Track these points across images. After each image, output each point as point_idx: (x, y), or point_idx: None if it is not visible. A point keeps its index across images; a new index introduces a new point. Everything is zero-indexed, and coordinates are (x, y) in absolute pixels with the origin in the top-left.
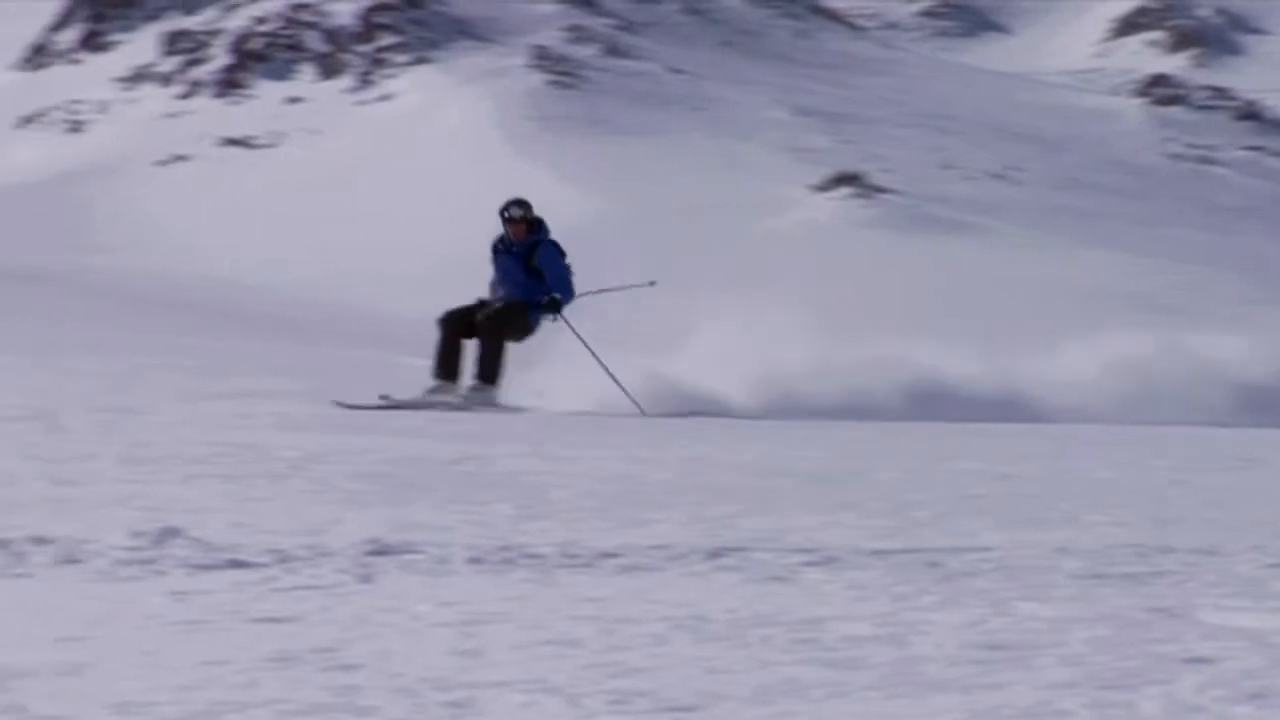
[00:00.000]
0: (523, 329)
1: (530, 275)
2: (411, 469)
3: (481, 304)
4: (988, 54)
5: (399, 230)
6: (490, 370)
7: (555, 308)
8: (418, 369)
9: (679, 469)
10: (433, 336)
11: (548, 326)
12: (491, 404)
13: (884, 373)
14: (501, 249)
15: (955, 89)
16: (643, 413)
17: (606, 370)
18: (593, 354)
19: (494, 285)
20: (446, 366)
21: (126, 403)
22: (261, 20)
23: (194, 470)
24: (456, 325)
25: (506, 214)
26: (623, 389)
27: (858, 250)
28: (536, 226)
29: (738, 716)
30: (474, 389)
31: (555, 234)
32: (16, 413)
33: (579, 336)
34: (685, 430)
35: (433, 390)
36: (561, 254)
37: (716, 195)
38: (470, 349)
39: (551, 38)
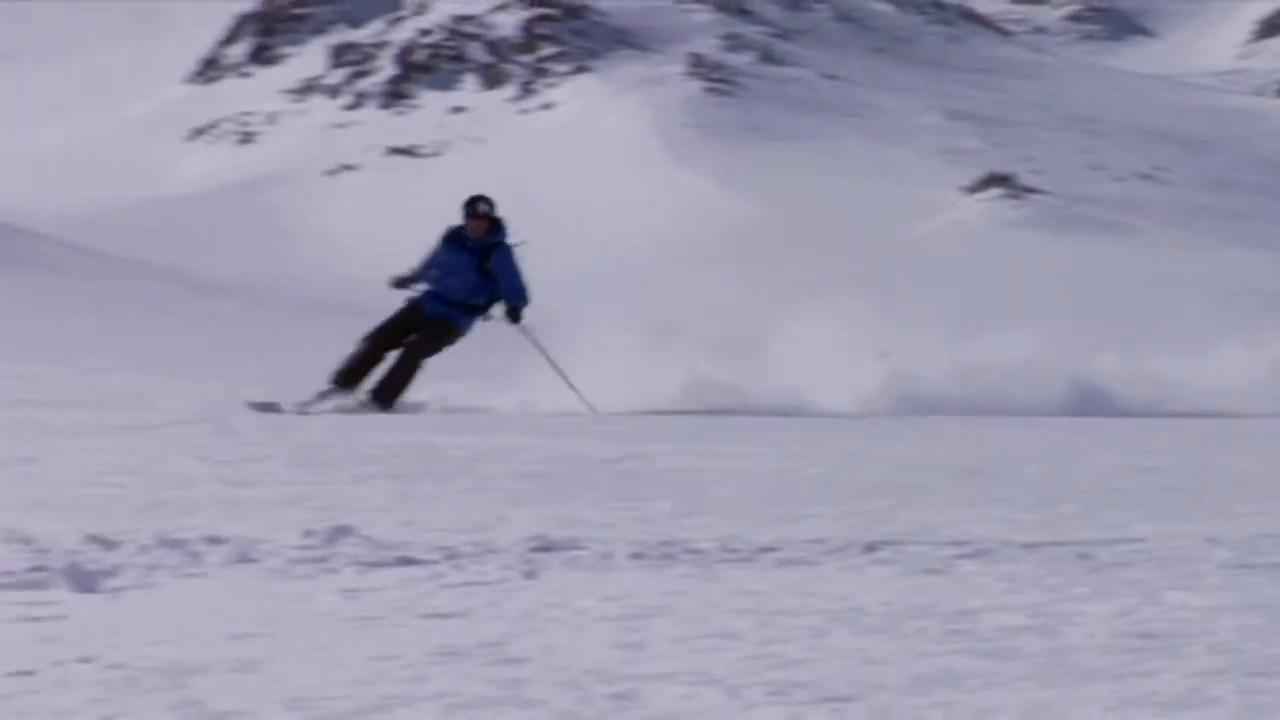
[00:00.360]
0: (455, 336)
1: (483, 276)
2: (573, 467)
3: (414, 312)
4: (1133, 57)
5: (560, 235)
6: (392, 395)
7: (516, 317)
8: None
9: (833, 465)
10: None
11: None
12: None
13: (1034, 371)
14: (456, 242)
15: (1102, 91)
16: (595, 413)
17: (560, 373)
18: (549, 360)
19: (439, 274)
20: (351, 379)
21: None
22: (426, 32)
23: (363, 471)
24: (384, 343)
25: (473, 209)
26: (576, 392)
27: (1007, 250)
28: (496, 226)
29: (894, 706)
30: (365, 404)
31: (713, 238)
32: (190, 417)
33: (536, 344)
34: (838, 427)
35: (324, 394)
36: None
37: (870, 199)
38: (387, 361)
39: (707, 46)
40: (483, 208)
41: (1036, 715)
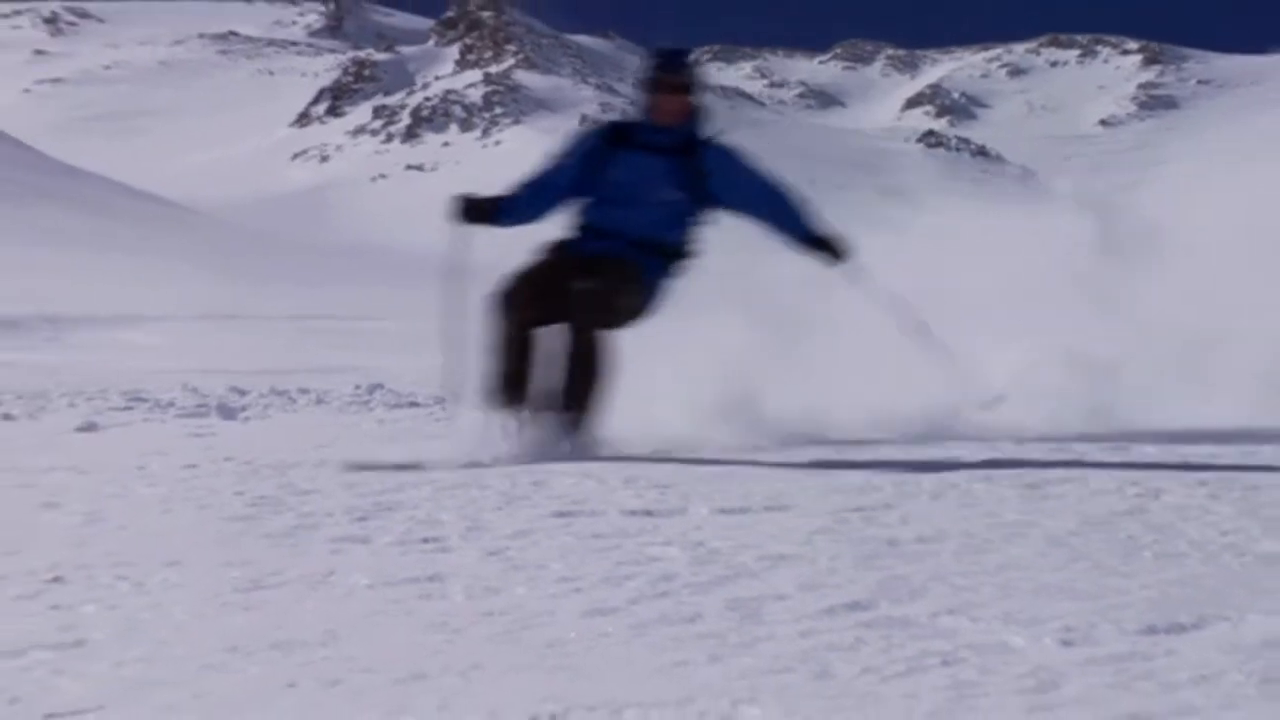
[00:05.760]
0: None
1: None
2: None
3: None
4: (834, 119)
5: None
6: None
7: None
8: None
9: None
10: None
11: None
12: None
13: None
14: (623, 141)
15: (815, 139)
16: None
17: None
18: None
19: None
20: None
21: (368, 313)
22: (428, 99)
23: (397, 346)
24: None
25: (668, 68)
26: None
27: None
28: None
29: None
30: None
31: None
32: (292, 316)
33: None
34: None
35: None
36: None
37: None
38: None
39: (593, 109)
40: (681, 74)
41: None
